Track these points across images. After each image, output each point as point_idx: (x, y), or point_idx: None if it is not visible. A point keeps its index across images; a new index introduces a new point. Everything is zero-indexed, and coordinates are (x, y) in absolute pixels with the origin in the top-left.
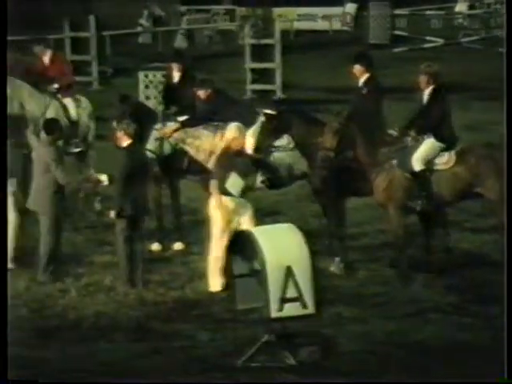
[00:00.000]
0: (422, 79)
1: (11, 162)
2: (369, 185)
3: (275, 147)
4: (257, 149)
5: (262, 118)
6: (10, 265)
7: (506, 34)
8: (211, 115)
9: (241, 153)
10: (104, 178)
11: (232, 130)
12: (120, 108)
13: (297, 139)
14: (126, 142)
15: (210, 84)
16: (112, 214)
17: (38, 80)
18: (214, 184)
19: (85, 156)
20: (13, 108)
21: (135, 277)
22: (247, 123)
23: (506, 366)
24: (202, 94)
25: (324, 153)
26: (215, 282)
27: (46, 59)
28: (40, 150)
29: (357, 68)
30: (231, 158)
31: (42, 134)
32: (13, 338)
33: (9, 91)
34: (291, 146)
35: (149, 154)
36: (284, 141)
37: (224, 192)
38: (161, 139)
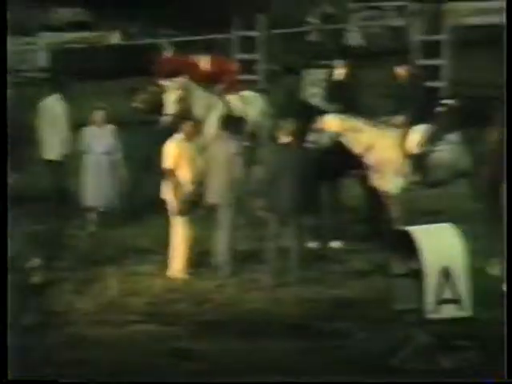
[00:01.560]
0: None
1: None
2: None
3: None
4: (430, 140)
5: (440, 109)
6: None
7: (506, 32)
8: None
9: None
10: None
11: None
12: (284, 106)
13: (471, 134)
14: (285, 140)
15: (411, 60)
16: (259, 212)
17: (201, 84)
18: None
19: (253, 153)
20: (183, 107)
21: (290, 274)
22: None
23: (506, 366)
24: (401, 70)
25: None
26: None
27: (206, 65)
28: (217, 145)
29: None
30: None
31: (218, 131)
32: (175, 333)
33: (179, 92)
34: (454, 140)
35: (309, 145)
36: (451, 136)
37: None
38: (320, 130)
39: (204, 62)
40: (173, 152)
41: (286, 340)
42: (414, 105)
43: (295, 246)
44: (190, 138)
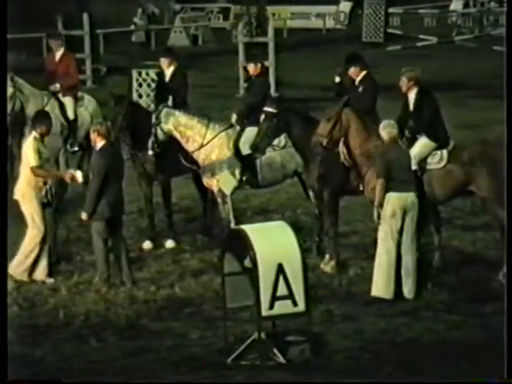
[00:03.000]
0: (403, 83)
1: None
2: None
3: (272, 146)
4: (256, 147)
5: (262, 117)
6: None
7: (506, 32)
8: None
9: None
10: (79, 174)
11: None
12: (114, 109)
13: (294, 138)
14: (99, 143)
15: (260, 58)
16: (84, 215)
17: (45, 77)
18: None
19: (87, 155)
20: (15, 106)
21: (123, 275)
22: None
23: (506, 366)
24: (251, 69)
25: (316, 138)
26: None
27: (57, 56)
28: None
29: (352, 70)
30: None
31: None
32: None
33: (11, 90)
34: (282, 144)
35: (149, 144)
36: (281, 139)
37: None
38: (155, 125)
39: (52, 57)
40: (33, 149)
41: (120, 341)
42: (252, 105)
43: (124, 246)
44: (43, 136)
